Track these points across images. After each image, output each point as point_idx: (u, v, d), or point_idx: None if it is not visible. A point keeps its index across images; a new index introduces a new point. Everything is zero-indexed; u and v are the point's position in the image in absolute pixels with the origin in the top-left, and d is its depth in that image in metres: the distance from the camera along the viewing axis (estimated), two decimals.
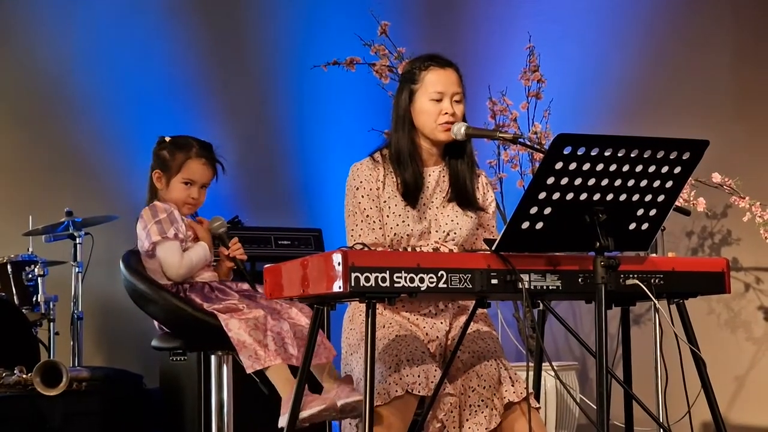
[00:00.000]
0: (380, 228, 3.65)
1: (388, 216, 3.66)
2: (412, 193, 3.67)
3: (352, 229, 3.66)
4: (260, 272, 3.40)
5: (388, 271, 2.95)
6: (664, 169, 3.07)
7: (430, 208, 3.71)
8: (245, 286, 4.08)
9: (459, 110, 3.68)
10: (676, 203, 3.25)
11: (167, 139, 4.11)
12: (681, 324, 3.42)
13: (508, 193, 5.72)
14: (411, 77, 3.70)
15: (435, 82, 3.66)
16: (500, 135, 3.71)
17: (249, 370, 3.76)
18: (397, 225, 3.65)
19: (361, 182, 3.68)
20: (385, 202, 3.67)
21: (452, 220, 3.70)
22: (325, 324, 5.34)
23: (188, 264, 3.95)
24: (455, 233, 3.68)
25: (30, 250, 5.68)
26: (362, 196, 3.66)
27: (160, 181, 4.05)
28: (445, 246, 3.65)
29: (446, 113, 3.64)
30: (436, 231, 3.68)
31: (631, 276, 3.21)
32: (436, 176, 3.74)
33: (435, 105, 3.65)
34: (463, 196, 3.73)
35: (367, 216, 3.65)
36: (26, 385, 4.87)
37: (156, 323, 4.08)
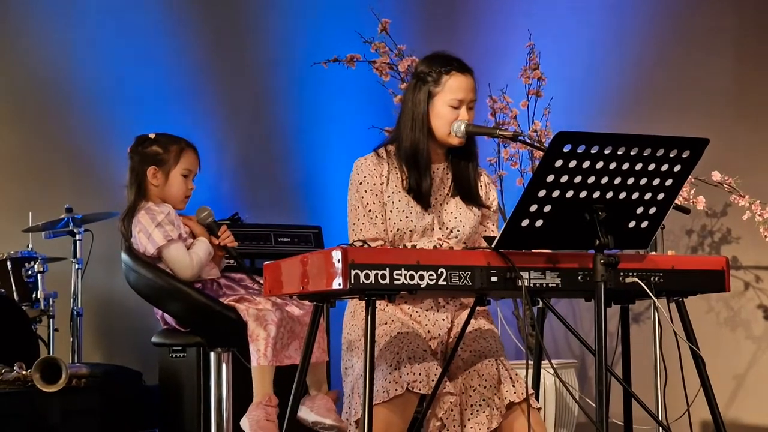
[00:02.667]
0: (382, 223, 3.64)
1: (391, 212, 3.65)
2: (424, 193, 3.66)
3: (354, 224, 3.65)
4: (260, 269, 3.40)
5: (387, 269, 2.95)
6: (664, 168, 3.07)
7: (433, 205, 3.71)
8: (249, 281, 4.09)
9: (471, 116, 3.68)
10: (676, 201, 3.25)
11: (152, 135, 4.09)
12: (680, 322, 3.42)
13: (508, 191, 5.72)
14: (430, 79, 3.67)
15: (456, 89, 3.65)
16: (500, 133, 3.71)
17: (254, 364, 3.78)
18: (401, 221, 3.64)
19: (364, 177, 3.67)
20: (388, 197, 3.66)
21: (455, 217, 3.70)
22: (325, 321, 5.35)
23: (198, 261, 3.94)
24: (458, 230, 3.68)
25: (30, 246, 5.68)
26: (365, 191, 3.66)
27: (157, 177, 4.02)
28: (447, 242, 3.65)
29: (462, 120, 3.65)
30: (440, 228, 3.68)
31: (630, 274, 3.21)
32: (440, 173, 3.74)
33: (452, 111, 3.65)
34: (466, 191, 3.73)
35: (370, 211, 3.65)
36: (25, 382, 4.86)
37: (163, 319, 4.07)
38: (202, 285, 3.97)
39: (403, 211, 3.66)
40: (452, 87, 3.65)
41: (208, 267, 4.01)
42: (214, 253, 4.05)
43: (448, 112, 3.65)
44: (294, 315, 3.87)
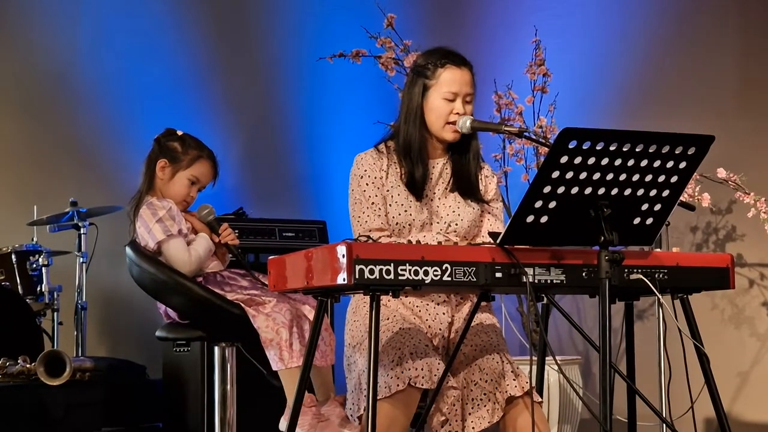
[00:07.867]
0: (385, 215, 3.65)
1: (390, 205, 3.66)
2: (419, 185, 3.67)
3: (359, 217, 3.66)
4: (264, 264, 3.40)
5: (392, 264, 2.95)
6: (669, 164, 3.07)
7: (432, 199, 3.71)
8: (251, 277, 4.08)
9: (468, 110, 3.67)
10: (681, 198, 3.24)
11: (179, 132, 4.09)
12: (685, 319, 3.42)
13: (513, 187, 5.71)
14: (426, 72, 3.67)
15: (450, 81, 3.64)
16: (505, 129, 3.70)
17: (274, 368, 3.78)
18: (400, 215, 3.65)
19: (365, 171, 3.68)
20: (388, 191, 3.67)
21: (453, 211, 3.70)
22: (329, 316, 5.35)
23: (197, 257, 3.94)
24: (456, 224, 3.68)
25: (34, 239, 5.69)
26: (367, 184, 3.66)
27: (164, 171, 4.02)
28: (448, 238, 3.65)
29: (457, 113, 3.64)
30: (437, 222, 3.68)
31: (635, 271, 3.21)
32: (439, 168, 3.74)
33: (447, 104, 3.64)
34: (465, 185, 3.73)
35: (372, 203, 3.65)
36: (30, 375, 4.87)
37: (165, 313, 4.07)
38: (204, 278, 3.97)
39: (402, 205, 3.66)
40: (447, 80, 3.64)
41: (209, 261, 4.01)
42: (215, 250, 4.06)
43: (442, 105, 3.64)
44: (305, 314, 3.86)
